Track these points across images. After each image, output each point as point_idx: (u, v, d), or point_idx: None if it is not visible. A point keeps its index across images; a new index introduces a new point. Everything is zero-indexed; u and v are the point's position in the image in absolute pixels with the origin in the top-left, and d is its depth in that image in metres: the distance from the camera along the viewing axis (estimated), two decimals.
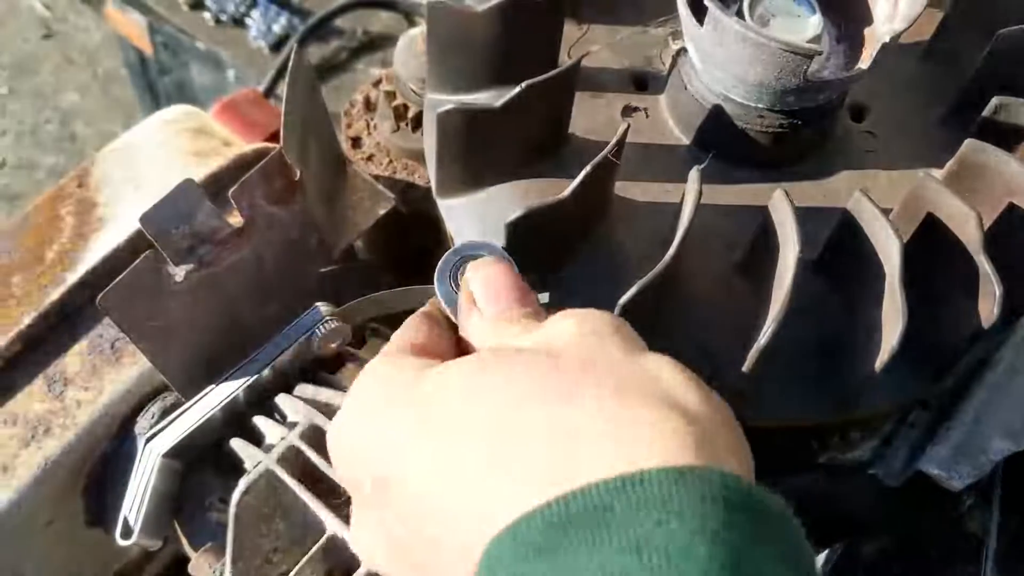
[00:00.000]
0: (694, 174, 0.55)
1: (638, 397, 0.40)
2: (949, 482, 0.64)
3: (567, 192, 0.54)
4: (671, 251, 0.52)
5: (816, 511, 0.69)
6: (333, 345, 0.71)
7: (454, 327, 0.53)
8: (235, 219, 0.70)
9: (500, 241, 0.57)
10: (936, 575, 0.73)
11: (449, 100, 0.66)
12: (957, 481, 0.64)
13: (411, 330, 0.52)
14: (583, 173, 0.54)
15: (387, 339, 0.76)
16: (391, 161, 0.86)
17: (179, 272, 0.68)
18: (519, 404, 0.40)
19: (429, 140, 0.65)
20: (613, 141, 0.55)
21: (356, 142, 0.87)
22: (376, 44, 1.94)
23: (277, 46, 1.57)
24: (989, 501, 0.71)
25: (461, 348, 0.52)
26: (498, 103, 0.57)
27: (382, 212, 0.79)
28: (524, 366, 0.43)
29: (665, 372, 0.43)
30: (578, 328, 0.45)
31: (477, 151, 0.61)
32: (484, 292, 0.50)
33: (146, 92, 2.15)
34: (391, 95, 0.83)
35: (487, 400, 0.41)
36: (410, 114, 0.82)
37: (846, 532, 0.71)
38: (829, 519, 0.68)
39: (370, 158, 0.86)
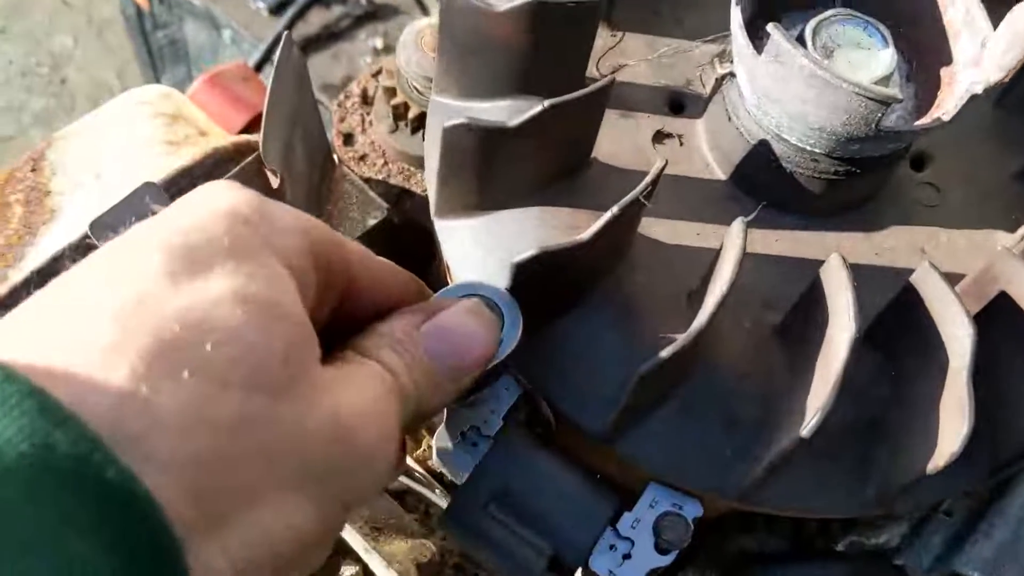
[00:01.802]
0: (738, 227, 0.46)
1: None
2: None
3: (587, 235, 0.46)
4: (703, 316, 0.44)
5: None
6: None
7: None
8: None
9: (503, 279, 0.49)
10: None
11: (458, 107, 0.57)
12: None
13: None
14: (608, 216, 0.45)
15: None
16: (386, 163, 0.77)
17: None
18: None
19: (431, 153, 0.57)
20: (647, 180, 0.46)
21: (348, 139, 0.78)
22: (380, 14, 1.86)
23: (278, 8, 1.48)
24: None
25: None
26: (513, 122, 0.48)
27: (372, 223, 0.71)
28: None
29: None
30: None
31: (486, 172, 0.52)
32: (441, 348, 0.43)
33: (141, 45, 2.07)
34: (391, 92, 0.74)
35: None
36: (411, 115, 0.74)
37: None
38: None
39: (363, 158, 0.78)
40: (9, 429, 0.28)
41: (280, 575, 0.35)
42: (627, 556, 0.51)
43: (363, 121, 0.78)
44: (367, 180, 0.76)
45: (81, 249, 0.64)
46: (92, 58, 2.57)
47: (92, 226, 0.55)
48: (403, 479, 0.60)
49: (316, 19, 1.70)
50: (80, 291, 0.34)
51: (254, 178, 0.59)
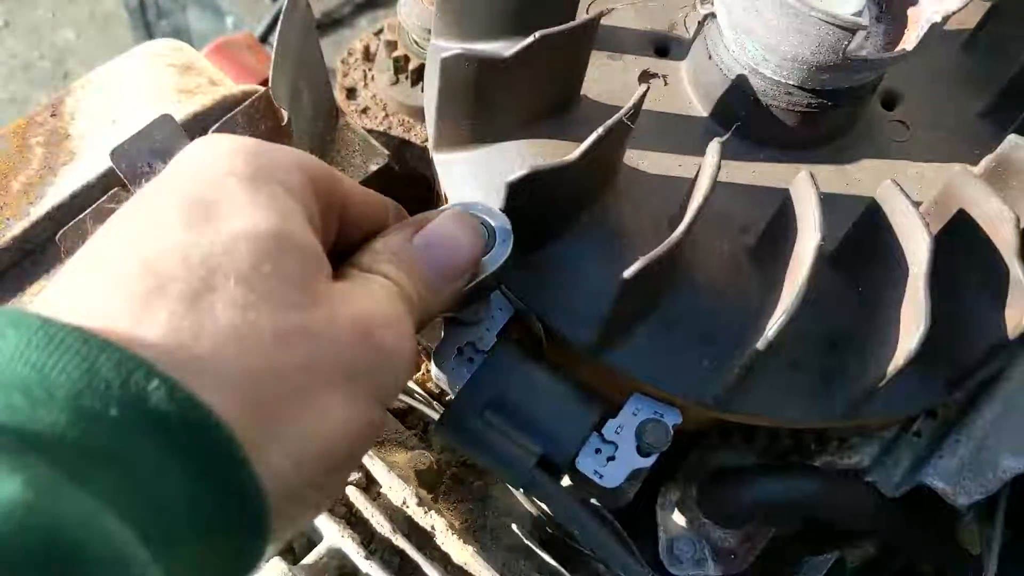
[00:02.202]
0: (714, 147, 0.50)
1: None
2: (954, 498, 0.60)
3: (575, 155, 0.49)
4: (682, 227, 0.48)
5: (810, 515, 0.66)
6: None
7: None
8: None
9: (498, 202, 0.52)
10: None
11: (456, 47, 0.61)
12: (962, 498, 0.60)
13: None
14: (594, 135, 0.49)
15: None
16: (387, 116, 0.81)
17: None
18: None
19: (430, 89, 0.61)
20: (630, 103, 0.50)
21: (351, 93, 0.82)
22: (380, 1, 1.89)
23: None
24: (989, 516, 0.67)
25: None
26: (507, 52, 0.52)
27: (374, 168, 0.74)
28: None
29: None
30: None
31: (481, 103, 0.56)
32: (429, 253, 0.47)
33: (144, 36, 2.11)
34: (392, 45, 0.78)
35: None
36: (411, 67, 0.77)
37: (839, 539, 0.67)
38: (823, 525, 0.64)
39: (365, 111, 0.81)
40: (74, 373, 0.30)
41: (335, 471, 0.39)
42: (611, 458, 0.55)
43: (365, 76, 0.82)
44: (369, 131, 0.79)
45: (99, 187, 0.68)
46: (95, 52, 2.59)
47: (112, 153, 0.59)
48: (404, 398, 0.64)
49: (318, 6, 1.72)
50: (109, 253, 0.37)
51: (263, 115, 0.63)
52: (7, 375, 0.30)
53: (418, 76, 0.78)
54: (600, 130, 0.49)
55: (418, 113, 0.80)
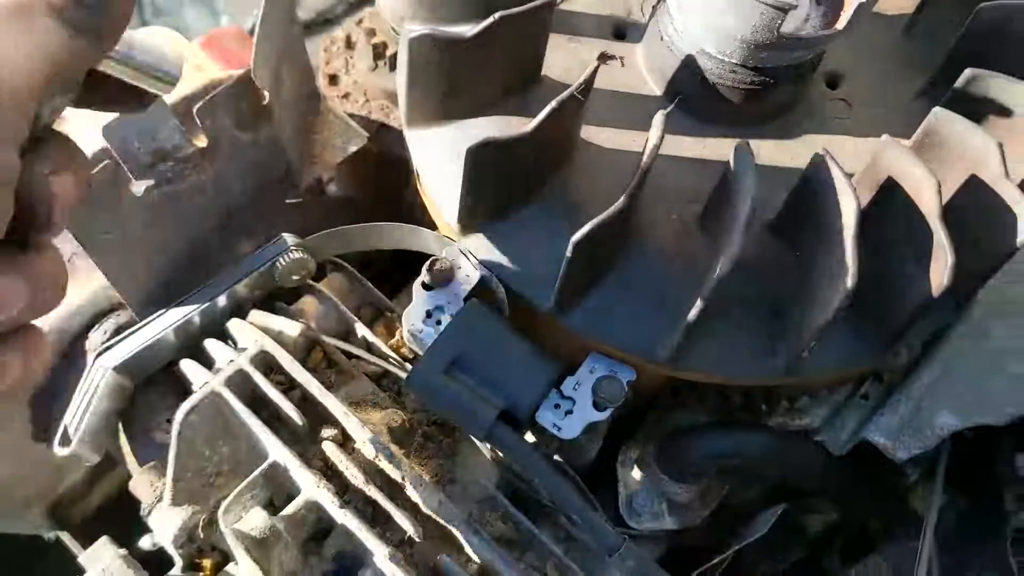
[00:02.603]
0: (658, 118, 0.54)
1: None
2: (894, 452, 0.64)
3: (530, 126, 0.53)
4: (629, 188, 0.52)
5: (758, 470, 0.70)
6: (295, 277, 0.71)
7: None
8: (200, 140, 0.69)
9: (457, 169, 0.56)
10: (879, 550, 0.73)
11: (423, 29, 0.65)
12: (902, 452, 0.64)
13: None
14: (548, 108, 0.53)
15: (348, 274, 0.76)
16: (367, 100, 0.85)
17: (139, 186, 0.67)
18: None
19: (401, 69, 0.65)
20: (581, 79, 0.54)
21: (333, 79, 0.86)
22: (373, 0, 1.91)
23: None
24: (929, 478, 0.71)
25: None
26: (469, 32, 0.56)
27: (353, 149, 0.79)
28: None
29: None
30: None
31: (447, 81, 0.60)
32: None
33: None
34: (371, 32, 0.82)
35: None
36: (388, 52, 0.82)
37: (793, 496, 0.71)
38: (777, 481, 0.68)
39: (346, 96, 0.86)
40: None
41: None
42: (569, 412, 0.59)
43: (347, 63, 0.86)
44: (350, 115, 0.84)
45: (92, 161, 0.72)
46: None
47: (104, 129, 0.63)
48: (379, 362, 0.68)
49: (312, 4, 1.74)
50: None
51: (244, 95, 0.67)
52: None
53: (396, 62, 0.82)
54: (553, 103, 0.54)
55: (396, 98, 0.84)
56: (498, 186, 0.58)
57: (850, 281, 0.51)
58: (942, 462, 0.69)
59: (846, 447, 0.68)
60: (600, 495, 0.66)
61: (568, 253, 0.53)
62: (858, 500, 0.70)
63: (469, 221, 0.60)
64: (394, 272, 0.80)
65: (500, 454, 0.64)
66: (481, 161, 0.55)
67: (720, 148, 0.64)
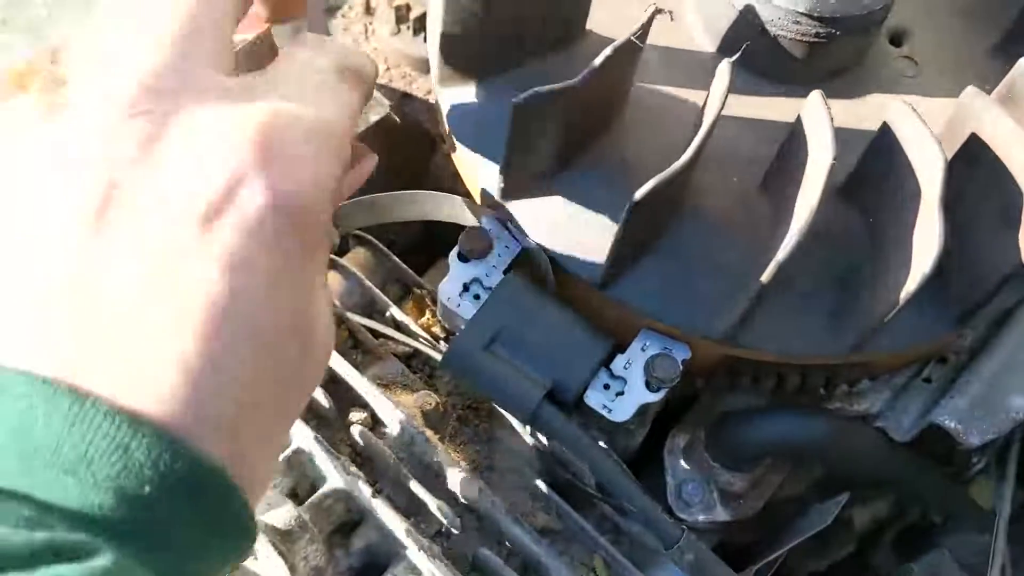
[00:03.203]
0: (724, 67, 0.49)
1: None
2: (965, 438, 0.59)
3: (583, 75, 0.49)
4: (694, 145, 0.47)
5: (818, 457, 0.65)
6: None
7: None
8: None
9: (505, 130, 0.51)
10: (935, 544, 0.68)
11: None
12: (974, 437, 0.59)
13: None
14: (603, 55, 0.48)
15: (373, 248, 0.71)
16: (388, 68, 0.80)
17: None
18: None
19: (433, 25, 0.60)
20: (639, 24, 0.49)
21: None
22: None
23: None
24: (1000, 467, 0.67)
25: None
26: None
27: (375, 119, 0.74)
28: None
29: None
30: None
31: (485, 32, 0.55)
32: None
33: None
34: None
35: None
36: (412, 15, 0.77)
37: (849, 489, 0.66)
38: (833, 468, 0.64)
39: None
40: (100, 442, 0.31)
41: None
42: (620, 393, 0.54)
43: (366, 30, 0.81)
44: None
45: None
46: None
47: None
48: (409, 342, 0.63)
49: None
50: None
51: (267, 55, 0.62)
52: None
53: (420, 25, 0.77)
54: (608, 50, 0.49)
55: (420, 65, 0.79)
56: (544, 146, 0.53)
57: (936, 251, 0.46)
58: (1014, 450, 0.64)
59: (910, 433, 0.63)
60: (645, 485, 0.62)
61: (625, 215, 0.49)
62: (922, 491, 0.65)
63: (511, 186, 0.55)
64: (422, 247, 0.75)
65: (541, 439, 0.60)
66: (528, 116, 0.50)
67: (779, 107, 0.59)
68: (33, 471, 0.31)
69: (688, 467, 0.63)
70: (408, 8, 0.77)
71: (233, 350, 0.35)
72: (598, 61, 0.48)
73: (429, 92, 0.80)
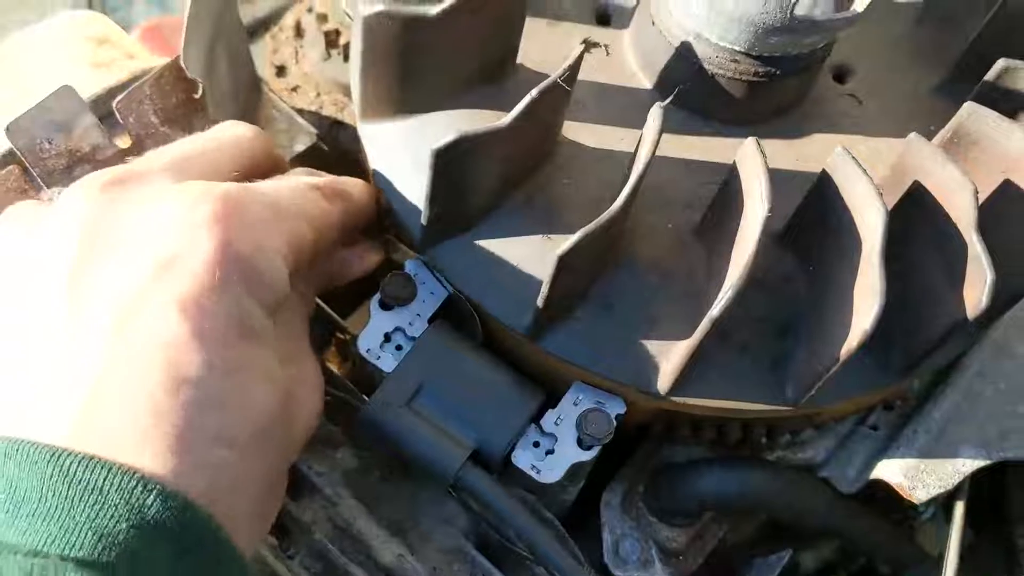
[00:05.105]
0: (655, 112, 0.47)
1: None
2: (911, 492, 0.57)
3: (508, 118, 0.45)
4: (622, 196, 0.44)
5: (761, 510, 0.62)
6: None
7: None
8: (123, 141, 0.60)
9: (422, 175, 0.48)
10: None
11: (379, 5, 0.57)
12: (920, 492, 0.57)
13: None
14: (528, 97, 0.45)
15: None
16: (318, 95, 0.76)
17: (50, 195, 0.58)
18: None
19: (354, 54, 0.56)
20: (566, 63, 0.46)
21: (281, 71, 0.78)
22: None
23: None
24: (947, 514, 0.64)
25: None
26: (433, 10, 0.48)
27: (300, 148, 0.70)
28: None
29: None
30: None
31: (408, 68, 0.52)
32: None
33: None
34: (323, 18, 0.73)
35: None
36: (342, 41, 0.73)
37: (792, 539, 0.64)
38: (775, 521, 0.61)
39: (295, 89, 0.77)
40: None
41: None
42: (550, 452, 0.51)
43: (296, 53, 0.77)
44: (300, 111, 0.75)
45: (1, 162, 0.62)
46: None
47: (8, 129, 0.54)
48: (331, 391, 0.59)
49: (266, 3, 1.67)
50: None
51: (174, 86, 0.58)
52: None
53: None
54: (534, 92, 0.46)
55: (351, 91, 0.76)
56: (469, 191, 0.50)
57: (877, 305, 0.44)
58: (962, 499, 0.62)
59: (855, 485, 0.60)
60: (580, 540, 0.58)
61: (551, 269, 0.45)
62: (869, 542, 0.63)
63: (434, 230, 0.52)
64: (347, 287, 0.72)
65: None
66: (450, 162, 0.46)
67: (717, 148, 0.56)
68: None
69: (625, 522, 0.60)
70: (338, 33, 0.73)
71: (196, 388, 0.39)
72: (524, 102, 0.45)
73: None
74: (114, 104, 0.56)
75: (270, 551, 0.51)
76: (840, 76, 0.61)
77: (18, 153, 0.56)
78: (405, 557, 0.52)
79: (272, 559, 0.51)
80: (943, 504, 0.67)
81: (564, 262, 0.45)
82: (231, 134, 0.53)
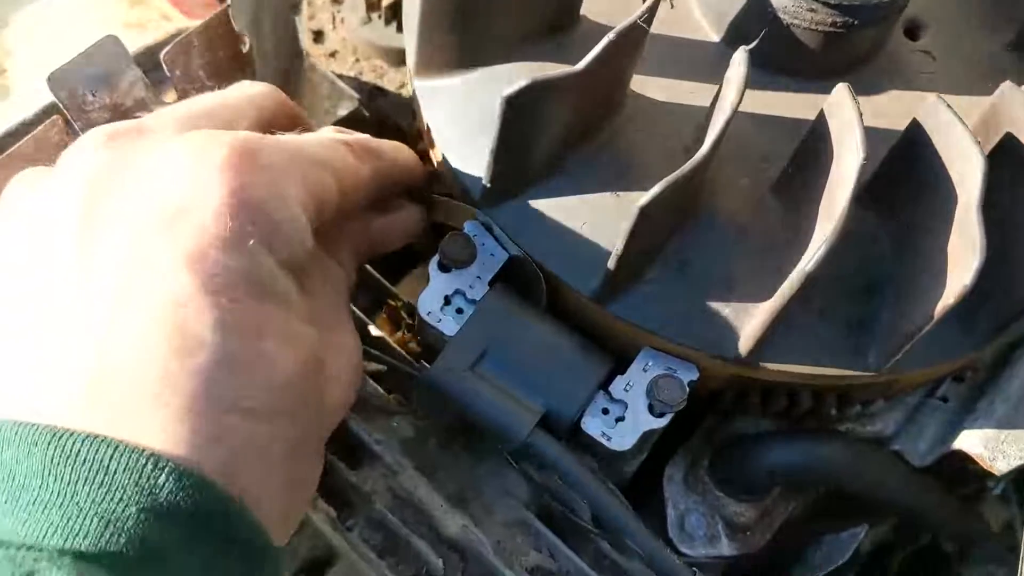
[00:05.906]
0: (740, 56, 0.44)
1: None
2: (992, 463, 0.55)
3: (584, 62, 0.43)
4: (711, 138, 0.42)
5: (833, 484, 0.60)
6: None
7: None
8: (169, 97, 0.58)
9: (485, 129, 0.46)
10: (955, 574, 0.64)
11: None
12: (1001, 463, 0.55)
13: None
14: (606, 39, 0.43)
15: None
16: (357, 60, 0.74)
17: None
18: None
19: (411, 10, 0.54)
20: (645, 5, 0.44)
21: (318, 36, 0.75)
22: None
23: None
24: (1020, 493, 0.62)
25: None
26: None
27: (343, 113, 0.68)
28: None
29: None
30: None
31: (468, 20, 0.50)
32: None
33: None
34: None
35: None
36: (384, 2, 0.70)
37: (860, 515, 0.61)
38: (846, 496, 0.58)
39: (333, 55, 0.74)
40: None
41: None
42: (620, 419, 0.49)
43: (334, 18, 0.75)
44: (338, 77, 0.72)
45: (36, 124, 0.60)
46: None
47: (49, 79, 0.52)
48: (385, 359, 0.57)
49: None
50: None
51: (221, 40, 0.56)
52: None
53: (392, 14, 0.71)
54: (612, 34, 0.43)
55: (391, 56, 0.73)
56: (537, 143, 0.48)
57: (976, 263, 0.41)
58: None
59: (928, 458, 0.58)
60: (642, 516, 0.56)
61: (630, 223, 0.43)
62: (939, 519, 0.60)
63: (498, 188, 0.50)
64: (395, 254, 0.69)
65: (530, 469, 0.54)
66: (520, 110, 0.44)
67: (792, 103, 0.54)
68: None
69: (690, 497, 0.58)
70: None
71: (208, 351, 0.36)
72: (601, 46, 0.43)
73: (402, 86, 0.73)
74: (161, 55, 0.54)
75: (328, 523, 0.49)
76: (912, 32, 0.58)
77: (59, 105, 0.54)
78: (469, 528, 0.49)
79: (330, 531, 0.49)
80: (1014, 480, 0.64)
81: (645, 213, 0.43)
82: (246, 91, 0.49)
